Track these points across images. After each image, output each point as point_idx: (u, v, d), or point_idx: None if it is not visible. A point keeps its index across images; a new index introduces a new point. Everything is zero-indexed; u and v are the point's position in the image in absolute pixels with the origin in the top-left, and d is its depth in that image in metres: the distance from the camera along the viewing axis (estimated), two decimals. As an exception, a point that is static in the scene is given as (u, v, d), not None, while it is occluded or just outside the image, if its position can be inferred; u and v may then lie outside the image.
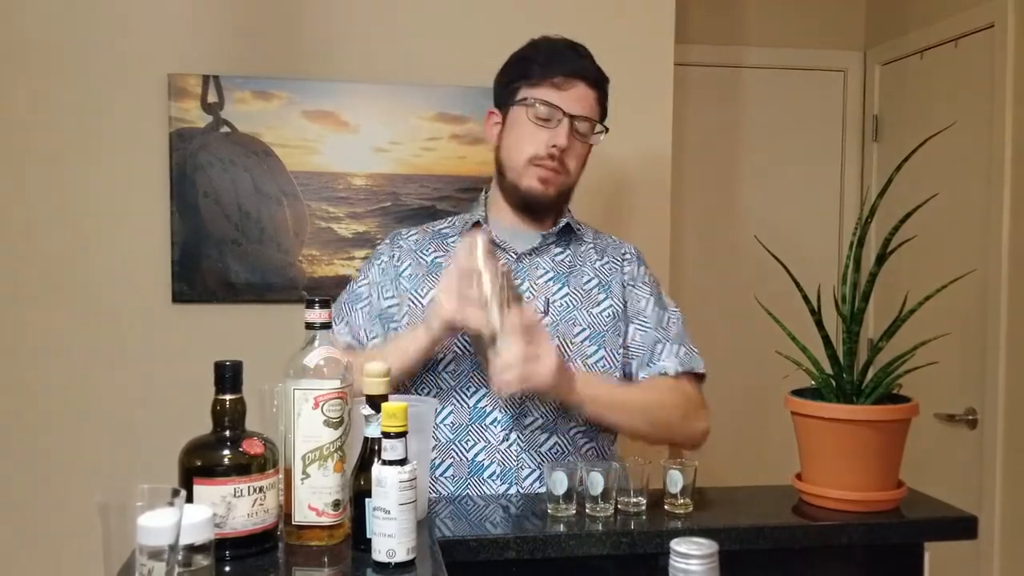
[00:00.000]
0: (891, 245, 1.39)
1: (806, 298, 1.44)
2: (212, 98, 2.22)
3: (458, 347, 1.55)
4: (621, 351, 1.61)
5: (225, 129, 2.23)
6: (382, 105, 2.30)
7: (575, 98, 1.57)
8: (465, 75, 2.32)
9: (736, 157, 3.20)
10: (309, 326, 1.20)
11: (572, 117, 1.56)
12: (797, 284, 1.44)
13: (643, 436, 1.58)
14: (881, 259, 1.41)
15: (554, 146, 1.55)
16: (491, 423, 1.53)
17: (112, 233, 2.22)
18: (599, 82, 1.61)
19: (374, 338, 1.61)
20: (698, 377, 1.64)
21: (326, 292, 2.23)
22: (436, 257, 1.64)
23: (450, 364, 1.55)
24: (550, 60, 1.57)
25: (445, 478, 1.54)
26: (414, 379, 1.56)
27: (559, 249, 1.66)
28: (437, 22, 2.33)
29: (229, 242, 2.25)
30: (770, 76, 3.20)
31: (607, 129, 1.63)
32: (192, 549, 0.91)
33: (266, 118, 2.25)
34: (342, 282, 2.28)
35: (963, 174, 2.69)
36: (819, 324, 1.44)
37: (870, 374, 1.41)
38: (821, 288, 1.44)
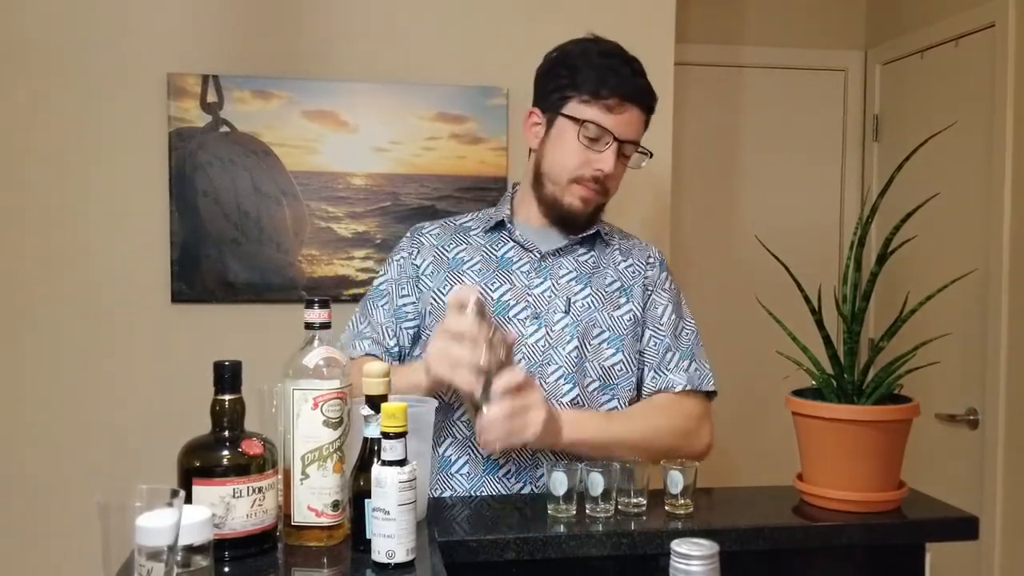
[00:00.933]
0: (891, 245, 1.39)
1: (806, 298, 1.44)
2: (211, 98, 2.22)
3: None
4: (638, 355, 1.60)
5: (224, 129, 2.23)
6: (382, 105, 2.30)
7: (626, 122, 1.54)
8: (465, 75, 2.32)
9: (736, 157, 3.20)
10: (309, 326, 1.19)
11: (621, 142, 1.54)
12: (798, 284, 1.43)
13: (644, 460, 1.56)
14: (882, 259, 1.40)
15: (599, 170, 1.54)
16: None
17: (112, 233, 2.22)
18: (651, 106, 1.58)
19: (394, 338, 1.61)
20: (706, 393, 1.62)
21: (325, 292, 2.24)
22: (458, 253, 1.63)
23: (465, 415, 1.54)
24: (605, 77, 1.52)
25: (461, 475, 1.54)
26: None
27: (583, 250, 1.64)
28: (437, 22, 2.32)
29: (229, 242, 2.24)
30: (770, 76, 3.20)
31: (651, 154, 1.61)
32: (191, 550, 0.91)
33: (266, 118, 2.25)
34: (342, 282, 2.29)
35: (963, 174, 2.68)
36: (820, 324, 1.43)
37: (871, 374, 1.41)
38: (821, 288, 1.44)
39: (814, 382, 1.43)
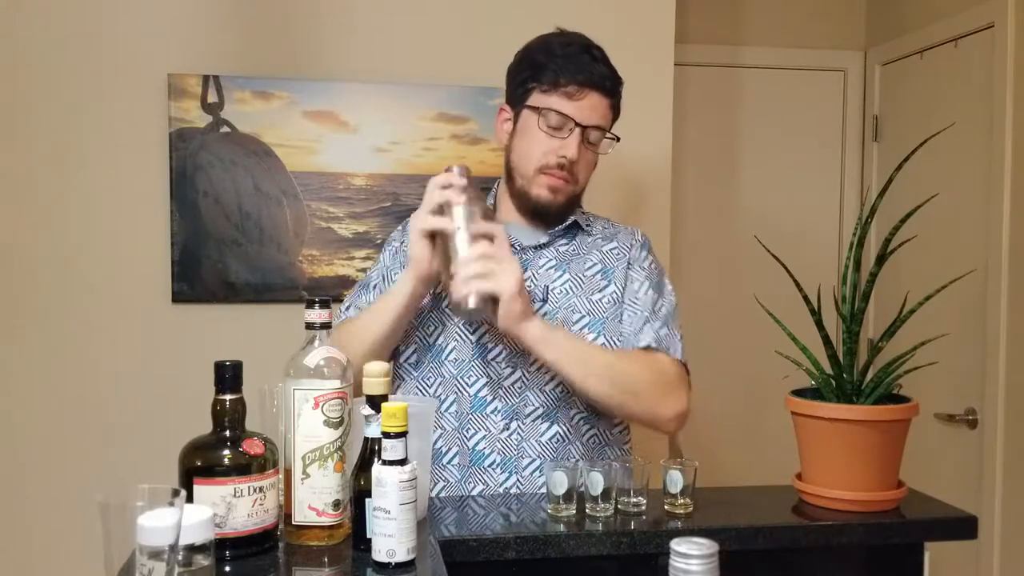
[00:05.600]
0: (891, 245, 1.39)
1: (806, 298, 1.44)
2: (212, 98, 2.22)
3: (459, 335, 1.56)
4: (619, 336, 1.59)
5: (225, 129, 2.23)
6: (382, 105, 2.30)
7: (587, 107, 1.55)
8: (465, 75, 2.32)
9: (736, 157, 3.20)
10: (309, 326, 1.20)
11: (583, 127, 1.55)
12: (797, 284, 1.44)
13: (607, 400, 1.51)
14: (881, 259, 1.41)
15: (563, 156, 1.55)
16: (491, 412, 1.54)
17: (113, 234, 2.22)
18: (613, 89, 1.59)
19: None
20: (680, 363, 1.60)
21: (326, 292, 2.24)
22: None
23: (452, 353, 1.56)
24: (564, 66, 1.54)
25: (452, 466, 1.55)
26: (418, 367, 1.58)
27: (564, 241, 1.65)
28: (437, 22, 2.33)
29: (229, 242, 2.25)
30: (770, 76, 3.20)
31: (618, 139, 1.62)
32: (192, 549, 0.91)
33: (266, 118, 2.25)
34: (342, 282, 2.29)
35: (963, 174, 2.69)
36: (819, 324, 1.44)
37: (870, 374, 1.41)
38: (821, 288, 1.44)
39: (813, 382, 1.44)
